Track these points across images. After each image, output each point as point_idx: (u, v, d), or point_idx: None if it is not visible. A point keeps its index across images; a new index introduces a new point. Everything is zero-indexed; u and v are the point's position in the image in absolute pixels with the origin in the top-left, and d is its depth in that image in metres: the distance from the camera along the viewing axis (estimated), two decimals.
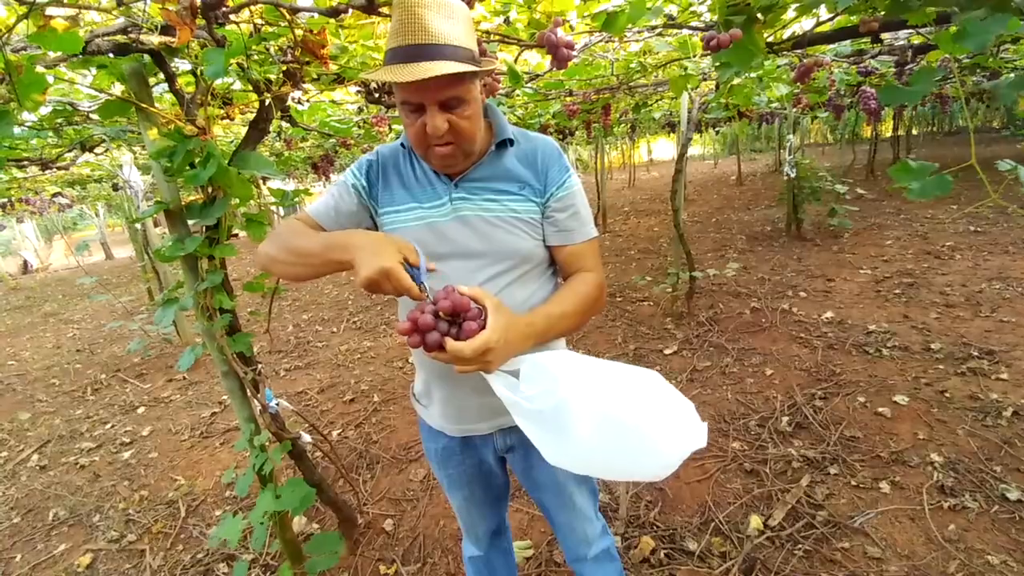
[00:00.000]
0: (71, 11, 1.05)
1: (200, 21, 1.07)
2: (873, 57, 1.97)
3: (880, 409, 2.47)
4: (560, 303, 0.94)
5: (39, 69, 1.25)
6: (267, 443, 1.60)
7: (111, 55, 1.34)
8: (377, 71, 0.87)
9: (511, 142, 1.00)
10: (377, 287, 0.81)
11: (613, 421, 0.74)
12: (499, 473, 1.21)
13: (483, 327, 0.78)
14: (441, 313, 0.78)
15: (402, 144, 1.03)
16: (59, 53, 1.28)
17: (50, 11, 1.11)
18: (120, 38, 1.29)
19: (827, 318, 3.58)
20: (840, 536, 1.80)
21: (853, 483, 2.04)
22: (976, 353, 2.83)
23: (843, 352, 3.09)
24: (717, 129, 8.18)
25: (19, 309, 8.32)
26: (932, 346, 2.98)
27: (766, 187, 10.38)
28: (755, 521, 1.91)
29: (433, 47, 0.81)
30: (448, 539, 2.03)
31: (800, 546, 1.78)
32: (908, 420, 2.37)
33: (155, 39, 1.32)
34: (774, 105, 4.88)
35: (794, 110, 5.38)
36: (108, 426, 3.47)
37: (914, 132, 12.75)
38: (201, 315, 1.56)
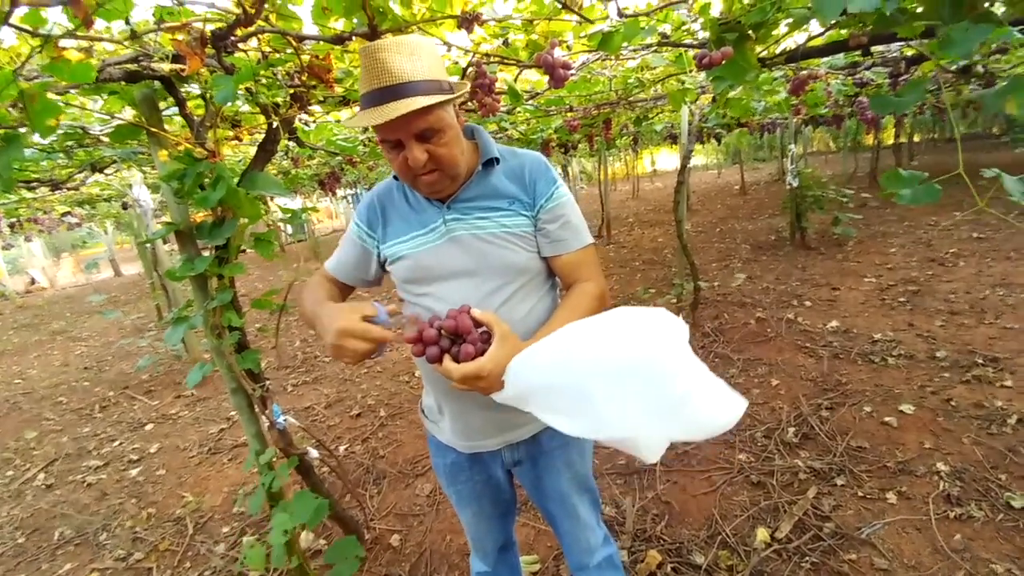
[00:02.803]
0: (84, 42, 1.09)
1: (209, 50, 1.11)
2: (867, 69, 2.00)
3: (886, 419, 2.46)
4: (562, 323, 0.95)
5: (51, 96, 1.30)
6: (274, 459, 1.62)
7: (123, 82, 1.39)
8: (353, 118, 0.92)
9: (497, 160, 1.03)
10: (343, 351, 0.83)
11: (613, 366, 0.75)
12: (507, 488, 1.23)
13: (482, 352, 0.81)
14: (443, 331, 0.82)
15: (394, 176, 1.08)
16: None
17: (63, 42, 1.16)
18: (131, 66, 1.34)
19: (832, 327, 3.58)
20: (847, 548, 1.79)
21: (860, 494, 2.03)
22: (981, 361, 2.82)
23: (849, 361, 3.08)
24: (719, 139, 8.23)
25: (26, 327, 8.38)
26: (937, 354, 2.97)
27: (769, 196, 10.40)
28: (762, 534, 1.90)
29: (399, 87, 0.85)
30: (455, 554, 2.02)
31: (807, 558, 1.77)
32: (914, 429, 2.36)
33: (166, 66, 1.37)
34: (774, 115, 4.92)
35: (795, 119, 5.42)
36: (116, 443, 3.48)
37: (916, 139, 12.76)
38: (211, 333, 1.58)
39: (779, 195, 9.38)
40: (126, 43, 1.17)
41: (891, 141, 10.63)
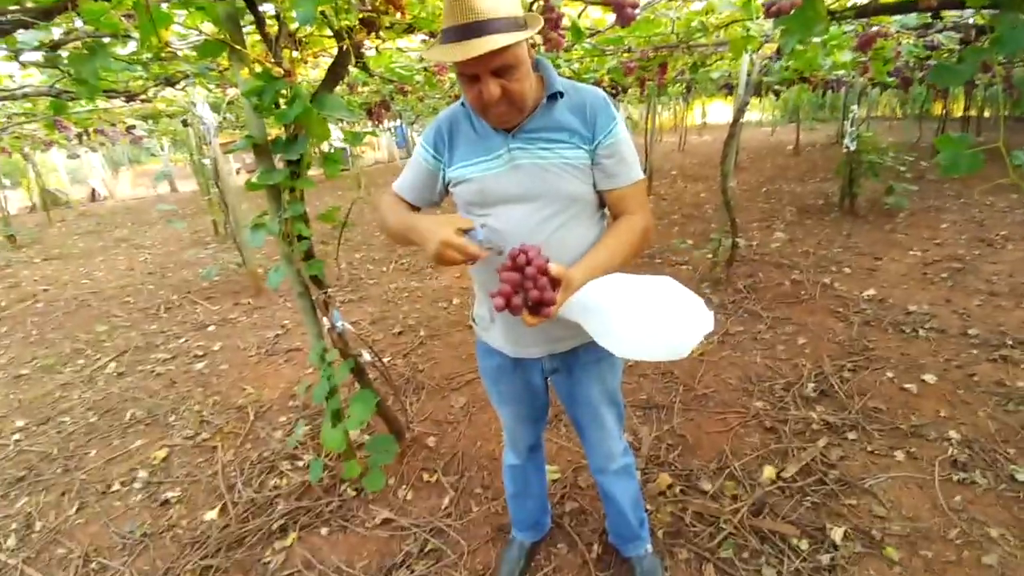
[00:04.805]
0: None
1: None
2: (939, 32, 1.91)
3: (907, 385, 2.51)
4: (606, 253, 1.07)
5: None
6: (335, 360, 1.83)
7: None
8: (433, 50, 0.98)
9: (561, 94, 1.09)
10: (444, 259, 0.99)
11: (639, 309, 0.95)
12: (542, 394, 1.39)
13: (553, 301, 0.94)
14: (529, 301, 0.94)
15: (462, 104, 1.15)
16: None
17: None
18: None
19: (868, 295, 3.57)
20: (849, 494, 1.90)
21: (869, 449, 2.12)
22: (1011, 342, 2.80)
23: (879, 329, 3.10)
24: (778, 93, 7.80)
25: (90, 234, 8.92)
26: (969, 331, 2.96)
27: (824, 159, 9.93)
28: (769, 471, 2.03)
29: (482, 23, 0.91)
30: (483, 457, 2.26)
31: (809, 498, 1.89)
32: (933, 398, 2.41)
33: None
34: (840, 71, 4.67)
35: (861, 79, 5.13)
36: (181, 340, 3.83)
37: (986, 114, 11.72)
38: (283, 241, 1.76)
39: (834, 158, 8.95)
40: None
41: (960, 113, 9.83)
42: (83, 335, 4.12)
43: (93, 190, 14.63)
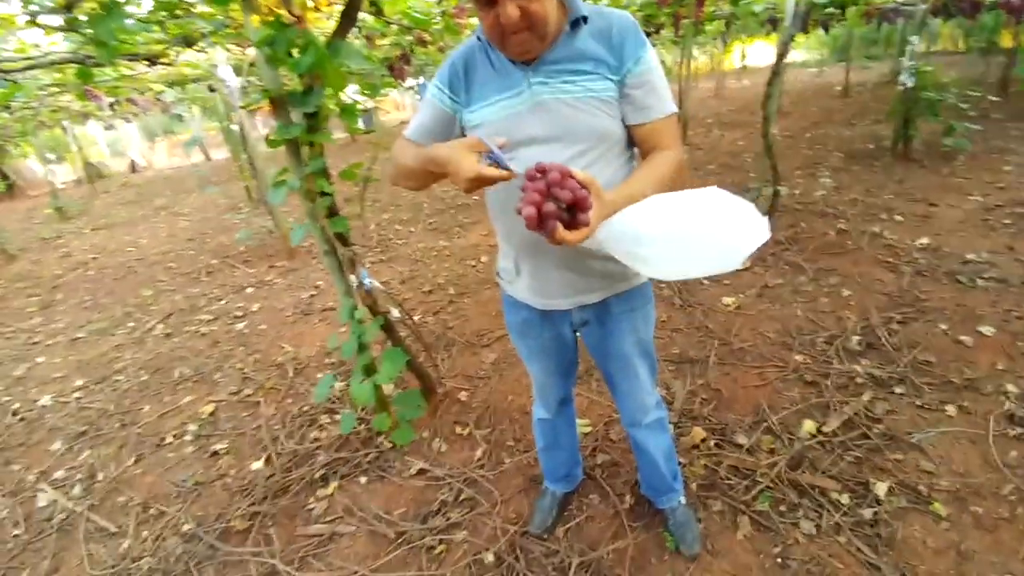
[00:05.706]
0: None
1: None
2: None
3: (961, 337, 2.36)
4: (640, 183, 0.96)
5: None
6: (364, 318, 1.83)
7: None
8: None
9: (585, 19, 0.99)
10: (477, 188, 0.93)
11: (686, 222, 0.86)
12: (571, 347, 1.35)
13: (588, 203, 0.83)
14: (559, 203, 0.82)
15: (478, 38, 1.06)
16: None
17: None
18: None
19: (921, 244, 3.35)
20: (895, 449, 1.83)
21: (918, 403, 2.03)
22: None
23: (933, 279, 2.92)
24: (827, 27, 7.18)
25: (132, 203, 9.25)
26: None
27: (876, 100, 9.22)
28: (808, 425, 1.97)
29: None
30: (514, 411, 2.27)
31: (851, 452, 1.83)
32: (989, 350, 2.26)
33: None
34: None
35: (923, 6, 4.66)
36: (222, 302, 3.97)
37: None
38: (305, 197, 1.74)
39: (887, 99, 8.29)
40: None
41: None
42: (132, 299, 4.33)
43: (132, 161, 15.08)
